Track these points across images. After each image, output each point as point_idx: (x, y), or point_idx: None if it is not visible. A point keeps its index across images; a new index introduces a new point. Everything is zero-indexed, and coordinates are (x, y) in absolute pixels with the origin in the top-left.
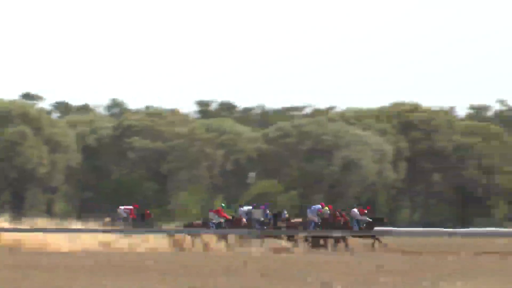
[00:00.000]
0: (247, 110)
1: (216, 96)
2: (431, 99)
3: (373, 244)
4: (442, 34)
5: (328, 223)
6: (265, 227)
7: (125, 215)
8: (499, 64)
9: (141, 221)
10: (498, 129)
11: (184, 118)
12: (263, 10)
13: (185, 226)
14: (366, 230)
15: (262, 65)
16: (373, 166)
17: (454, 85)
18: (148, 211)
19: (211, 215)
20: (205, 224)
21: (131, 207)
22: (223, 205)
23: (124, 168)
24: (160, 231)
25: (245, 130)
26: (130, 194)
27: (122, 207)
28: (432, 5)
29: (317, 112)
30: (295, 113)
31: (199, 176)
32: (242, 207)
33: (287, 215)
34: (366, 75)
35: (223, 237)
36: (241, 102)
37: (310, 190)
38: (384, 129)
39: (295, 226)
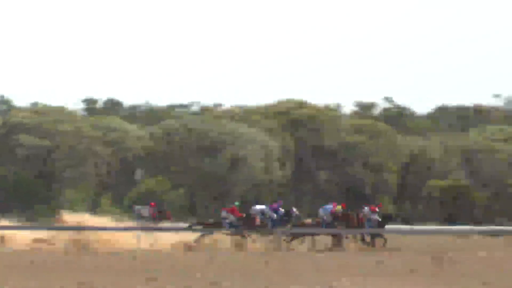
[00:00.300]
0: (133, 108)
1: (103, 93)
2: (318, 96)
3: (384, 244)
4: (325, 32)
5: (342, 222)
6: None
7: (146, 214)
8: (385, 62)
9: (159, 220)
10: (385, 127)
11: (71, 116)
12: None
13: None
14: (379, 229)
15: (148, 62)
16: (260, 164)
17: (340, 83)
18: (168, 212)
19: (224, 213)
20: (218, 224)
21: (148, 206)
22: (237, 203)
23: (12, 166)
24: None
25: (132, 128)
26: (17, 191)
27: (139, 207)
28: (318, 6)
29: (204, 110)
30: (182, 110)
31: (86, 174)
32: (255, 206)
33: (296, 212)
34: (253, 72)
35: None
36: (128, 100)
37: (197, 187)
38: (271, 127)
39: (308, 226)
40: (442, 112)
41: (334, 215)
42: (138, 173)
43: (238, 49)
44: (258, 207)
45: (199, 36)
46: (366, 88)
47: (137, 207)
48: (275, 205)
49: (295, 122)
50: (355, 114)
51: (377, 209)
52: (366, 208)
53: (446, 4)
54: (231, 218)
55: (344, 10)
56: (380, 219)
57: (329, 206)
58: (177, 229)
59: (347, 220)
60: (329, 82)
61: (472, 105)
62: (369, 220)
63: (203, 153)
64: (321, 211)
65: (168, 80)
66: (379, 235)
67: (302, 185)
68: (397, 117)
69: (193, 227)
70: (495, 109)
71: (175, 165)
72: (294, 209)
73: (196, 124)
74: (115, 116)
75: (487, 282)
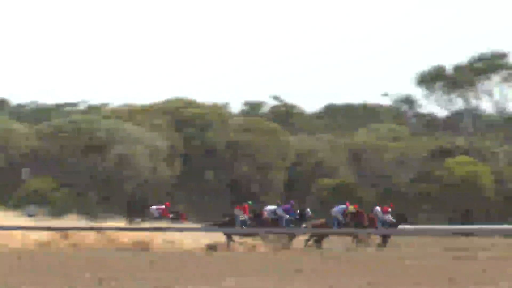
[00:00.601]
0: (20, 107)
1: None
2: (207, 95)
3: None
4: (221, 32)
5: (355, 222)
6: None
7: (157, 214)
8: (272, 61)
9: (176, 220)
10: (273, 126)
11: None
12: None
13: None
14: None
15: (35, 60)
16: (147, 163)
17: (230, 82)
18: (183, 214)
19: (237, 211)
20: (232, 221)
21: (163, 206)
22: (249, 202)
23: None
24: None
25: (18, 127)
26: None
27: (154, 207)
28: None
29: (91, 109)
30: (70, 109)
31: None
32: (267, 206)
33: (310, 214)
34: (140, 71)
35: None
36: (15, 98)
37: (85, 187)
38: (158, 125)
39: (321, 226)
40: (330, 110)
41: (346, 214)
42: (24, 172)
43: (125, 47)
44: (270, 207)
45: (87, 35)
46: (255, 87)
47: (151, 207)
48: (287, 206)
49: (183, 121)
50: (243, 113)
51: (389, 210)
52: (377, 208)
53: (331, 2)
54: (244, 216)
55: (238, 11)
56: (394, 220)
57: (342, 206)
58: (191, 229)
59: (359, 220)
60: (219, 81)
61: (360, 103)
62: (383, 220)
63: (91, 152)
64: (334, 211)
65: (55, 78)
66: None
67: (190, 183)
68: (286, 115)
69: (208, 227)
70: (384, 108)
71: (62, 164)
72: (308, 210)
73: (83, 123)
74: (1, 115)
75: (372, 282)
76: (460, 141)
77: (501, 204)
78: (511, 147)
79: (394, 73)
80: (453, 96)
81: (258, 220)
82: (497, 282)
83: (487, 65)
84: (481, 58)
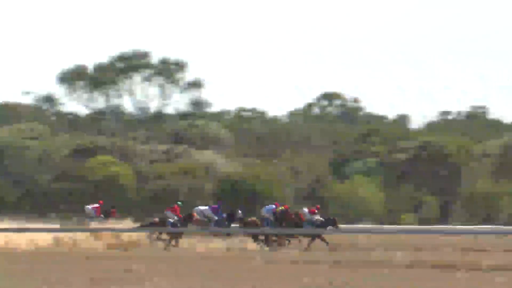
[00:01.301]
0: None
1: None
2: None
3: (309, 244)
4: None
5: (282, 221)
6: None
7: (93, 213)
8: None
9: (106, 219)
10: None
11: None
12: None
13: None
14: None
15: None
16: None
17: None
18: (113, 209)
19: (168, 214)
20: (163, 223)
21: (97, 205)
22: (179, 203)
23: None
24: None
25: None
26: None
27: (89, 206)
28: None
29: None
30: None
31: None
32: (198, 206)
33: (241, 214)
34: None
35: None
36: None
37: None
38: None
39: (255, 224)
40: None
41: (276, 214)
42: None
43: None
44: (201, 207)
45: None
46: None
47: (86, 206)
48: (215, 206)
49: None
50: None
51: (316, 211)
52: (305, 209)
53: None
54: (174, 217)
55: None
56: (323, 220)
57: (272, 206)
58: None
59: (288, 220)
60: None
61: (1, 102)
62: (310, 221)
63: None
64: (264, 211)
65: None
66: (320, 236)
67: None
68: None
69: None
70: (25, 106)
71: None
72: (239, 211)
73: None
74: None
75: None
76: (102, 140)
77: (144, 203)
78: (152, 146)
79: (36, 71)
80: (95, 95)
81: (188, 221)
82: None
83: (128, 65)
84: (122, 58)
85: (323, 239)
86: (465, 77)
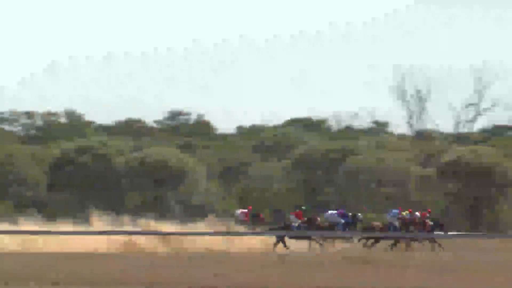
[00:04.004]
0: None
1: None
2: None
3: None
4: None
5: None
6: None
7: (242, 218)
8: None
9: (254, 224)
10: None
11: None
12: None
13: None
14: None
15: None
16: None
17: None
18: (261, 214)
19: (292, 217)
20: (287, 227)
21: (246, 210)
22: (303, 208)
23: None
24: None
25: None
26: None
27: (239, 211)
28: None
29: None
30: None
31: None
32: (327, 211)
33: (361, 217)
34: None
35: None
36: None
37: None
38: None
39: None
40: None
41: (400, 219)
42: None
43: None
44: (330, 212)
45: None
46: None
47: (237, 211)
48: (341, 211)
49: None
50: None
51: (427, 214)
52: (417, 214)
53: None
54: (296, 221)
55: None
56: (433, 223)
57: (396, 211)
58: (254, 233)
59: (413, 225)
60: None
61: None
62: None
63: None
64: (388, 216)
65: None
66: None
67: None
68: None
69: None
70: None
71: None
72: (359, 214)
73: None
74: None
75: None
76: None
77: None
78: None
79: None
80: None
81: (311, 225)
82: None
83: None
84: None
85: (439, 244)
86: None
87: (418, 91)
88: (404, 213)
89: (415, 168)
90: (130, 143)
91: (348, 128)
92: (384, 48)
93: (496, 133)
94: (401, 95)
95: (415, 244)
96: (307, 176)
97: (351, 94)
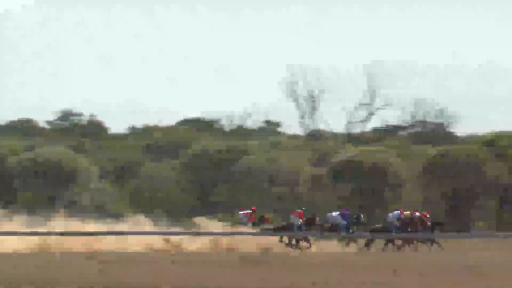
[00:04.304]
0: None
1: None
2: None
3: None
4: None
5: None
6: (350, 231)
7: (245, 219)
8: None
9: (258, 225)
10: None
11: None
12: None
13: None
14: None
15: None
16: None
17: None
18: (266, 216)
19: (293, 218)
20: (290, 226)
21: (249, 211)
22: (304, 208)
23: None
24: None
25: None
26: None
27: (242, 212)
28: None
29: None
30: None
31: None
32: (331, 213)
33: (364, 219)
34: None
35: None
36: None
37: None
38: None
39: (379, 231)
40: None
41: (402, 220)
42: None
43: None
44: (334, 213)
45: None
46: None
47: (240, 212)
48: (344, 212)
49: None
50: None
51: (427, 215)
52: (417, 214)
53: None
54: (299, 221)
55: None
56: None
57: (397, 212)
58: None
59: (413, 225)
60: None
61: None
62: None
63: None
64: (390, 217)
65: None
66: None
67: None
68: None
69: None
70: None
71: None
72: (362, 216)
73: None
74: None
75: None
76: None
77: None
78: None
79: None
80: None
81: (311, 225)
82: None
83: None
84: None
85: (439, 244)
86: None
87: (311, 91)
88: (405, 214)
89: (307, 168)
90: (23, 143)
91: (241, 128)
92: (277, 47)
93: (388, 133)
94: (293, 94)
95: (418, 244)
96: (199, 176)
97: (244, 93)
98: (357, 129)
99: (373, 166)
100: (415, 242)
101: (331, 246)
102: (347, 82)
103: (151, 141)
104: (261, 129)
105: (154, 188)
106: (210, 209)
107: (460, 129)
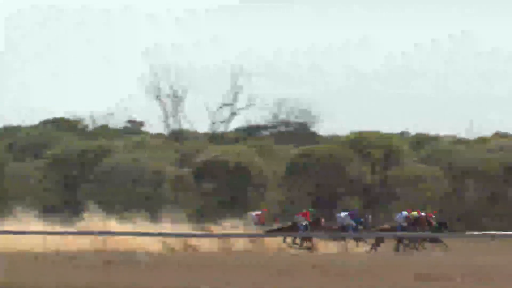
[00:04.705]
0: None
1: None
2: None
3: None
4: None
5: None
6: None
7: (256, 220)
8: None
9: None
10: None
11: None
12: None
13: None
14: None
15: None
16: None
17: None
18: (277, 218)
19: (299, 218)
20: (295, 227)
21: (260, 212)
22: (311, 209)
23: None
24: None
25: None
26: None
27: (253, 213)
28: None
29: None
30: None
31: None
32: (340, 214)
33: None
34: None
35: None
36: None
37: None
38: None
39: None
40: None
41: (409, 220)
42: None
43: None
44: (343, 214)
45: None
46: None
47: (251, 213)
48: (352, 213)
49: None
50: None
51: (433, 215)
52: (423, 214)
53: None
54: (304, 222)
55: None
56: (436, 224)
57: (405, 213)
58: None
59: (420, 225)
60: None
61: None
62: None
63: None
64: (397, 217)
65: None
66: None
67: None
68: None
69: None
70: None
71: None
72: (369, 216)
73: None
74: None
75: None
76: None
77: None
78: None
79: None
80: None
81: (316, 226)
82: None
83: None
84: None
85: (445, 244)
86: None
87: (175, 91)
88: (412, 214)
89: (170, 168)
90: None
91: (105, 128)
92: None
93: (251, 132)
94: (157, 94)
95: (426, 244)
96: (62, 176)
97: (106, 93)
98: (220, 129)
99: (236, 166)
100: (422, 242)
101: (335, 246)
102: (211, 82)
103: (13, 141)
104: (125, 129)
105: (19, 187)
106: (75, 209)
107: (324, 129)
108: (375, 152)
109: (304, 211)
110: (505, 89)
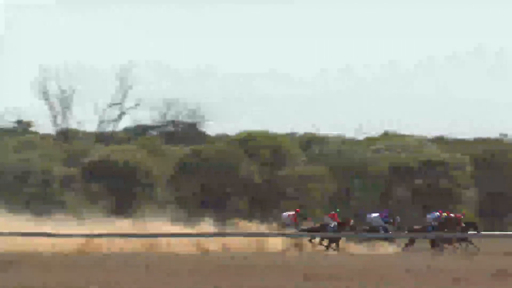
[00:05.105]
0: None
1: None
2: None
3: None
4: None
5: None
6: (389, 232)
7: (289, 220)
8: None
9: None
10: None
11: None
12: None
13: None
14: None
15: None
16: None
17: None
18: (310, 218)
19: (327, 219)
20: (323, 228)
21: (293, 212)
22: (338, 210)
23: None
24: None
25: None
26: None
27: (286, 213)
28: None
29: None
30: None
31: None
32: (370, 214)
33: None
34: None
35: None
36: None
37: None
38: None
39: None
40: None
41: (440, 220)
42: None
43: None
44: (373, 214)
45: None
46: None
47: (284, 214)
48: (383, 213)
49: None
50: None
51: (462, 216)
52: (451, 215)
53: None
54: (333, 222)
55: None
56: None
57: (437, 213)
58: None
59: (450, 226)
60: None
61: None
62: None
63: None
64: (428, 218)
65: None
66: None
67: None
68: None
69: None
70: None
71: None
72: (398, 217)
73: None
74: None
75: None
76: None
77: None
78: None
79: None
80: None
81: (345, 226)
82: None
83: None
84: None
85: (474, 244)
86: None
87: (63, 91)
88: (442, 214)
89: (59, 167)
90: None
91: None
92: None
93: (139, 132)
94: (45, 94)
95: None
96: None
97: None
98: (109, 129)
99: (124, 166)
100: (454, 243)
101: (364, 247)
102: (100, 82)
103: None
104: (13, 129)
105: None
106: None
107: (213, 129)
108: (264, 152)
109: (333, 212)
110: None
